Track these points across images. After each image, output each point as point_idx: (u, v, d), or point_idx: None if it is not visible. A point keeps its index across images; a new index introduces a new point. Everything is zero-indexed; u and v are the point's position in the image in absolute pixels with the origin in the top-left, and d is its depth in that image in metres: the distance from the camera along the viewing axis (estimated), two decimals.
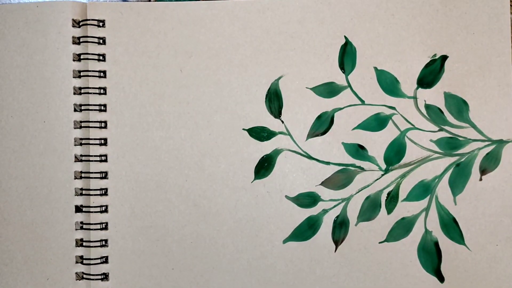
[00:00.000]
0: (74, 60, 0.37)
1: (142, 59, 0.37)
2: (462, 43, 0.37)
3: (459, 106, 0.37)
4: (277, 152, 0.37)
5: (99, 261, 0.37)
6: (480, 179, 0.37)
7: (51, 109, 0.37)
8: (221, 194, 0.37)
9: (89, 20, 0.37)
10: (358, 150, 0.37)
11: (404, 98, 0.37)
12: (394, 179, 0.37)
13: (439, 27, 0.37)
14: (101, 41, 0.37)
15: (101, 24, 0.37)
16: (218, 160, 0.37)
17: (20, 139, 0.37)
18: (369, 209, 0.37)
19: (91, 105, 0.37)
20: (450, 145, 0.37)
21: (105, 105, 0.37)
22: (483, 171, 0.37)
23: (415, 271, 0.37)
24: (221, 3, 0.37)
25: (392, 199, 0.37)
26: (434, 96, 0.37)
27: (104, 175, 0.37)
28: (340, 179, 0.37)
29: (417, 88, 0.37)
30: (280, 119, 0.37)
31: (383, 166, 0.37)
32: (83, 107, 0.37)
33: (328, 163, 0.37)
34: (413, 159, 0.37)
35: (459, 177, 0.37)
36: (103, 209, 0.37)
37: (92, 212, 0.37)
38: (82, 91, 0.37)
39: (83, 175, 0.37)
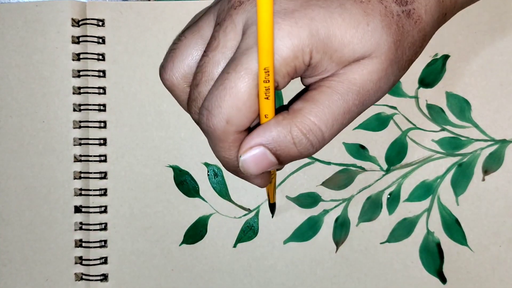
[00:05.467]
0: (73, 60, 0.36)
1: (142, 58, 0.37)
2: (463, 42, 0.36)
3: (461, 106, 0.36)
4: None
5: (98, 261, 0.37)
6: (483, 179, 0.36)
7: (50, 109, 0.37)
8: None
9: (88, 19, 0.36)
10: (359, 150, 0.37)
11: (406, 98, 0.37)
12: (395, 179, 0.37)
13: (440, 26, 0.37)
14: (100, 40, 0.37)
15: (100, 23, 0.37)
16: (218, 160, 0.37)
17: (19, 139, 0.37)
18: (370, 210, 0.37)
19: (90, 105, 0.37)
20: (452, 145, 0.36)
21: (104, 105, 0.37)
22: (486, 171, 0.36)
23: (416, 272, 0.36)
24: None
25: (394, 199, 0.37)
26: (435, 95, 0.36)
27: (104, 175, 0.37)
28: (341, 179, 0.37)
29: (418, 88, 0.37)
30: None
31: (384, 166, 0.37)
32: (82, 107, 0.37)
33: (329, 163, 0.37)
34: (415, 159, 0.37)
35: (461, 177, 0.36)
36: (103, 210, 0.37)
37: (91, 212, 0.37)
38: (82, 90, 0.37)
39: (82, 175, 0.37)
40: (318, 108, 0.19)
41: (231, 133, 0.19)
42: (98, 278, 0.37)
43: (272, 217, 0.37)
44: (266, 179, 0.23)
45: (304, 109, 0.19)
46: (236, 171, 0.21)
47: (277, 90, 0.20)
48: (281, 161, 0.20)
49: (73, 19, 0.36)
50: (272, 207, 0.36)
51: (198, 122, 0.20)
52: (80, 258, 0.37)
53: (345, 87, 0.19)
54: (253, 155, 0.19)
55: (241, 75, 0.18)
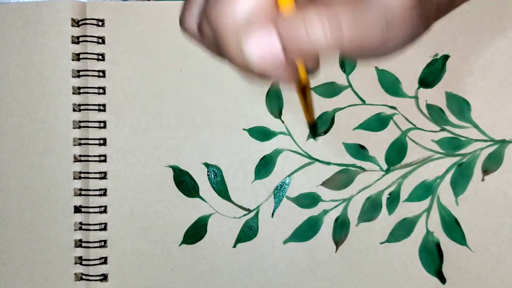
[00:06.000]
0: (73, 60, 0.36)
1: (141, 58, 0.37)
2: (463, 43, 0.36)
3: (460, 106, 0.36)
4: (277, 152, 0.37)
5: (98, 261, 0.37)
6: (483, 180, 0.36)
7: (50, 109, 0.37)
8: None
9: (88, 19, 0.36)
10: (359, 150, 0.37)
11: (405, 98, 0.37)
12: (395, 179, 0.37)
13: (440, 26, 0.36)
14: (100, 40, 0.37)
15: (100, 23, 0.37)
16: (218, 160, 0.37)
17: (19, 139, 0.37)
18: (370, 210, 0.37)
19: (90, 105, 0.37)
20: (451, 145, 0.36)
21: (104, 105, 0.37)
22: (486, 171, 0.36)
23: (416, 272, 0.36)
24: None
25: (393, 199, 0.37)
26: (435, 95, 0.36)
27: (103, 176, 0.37)
28: (341, 179, 0.37)
29: (418, 88, 0.37)
30: (281, 119, 0.37)
31: (384, 166, 0.37)
32: (82, 107, 0.37)
33: (329, 163, 0.37)
34: (415, 159, 0.37)
35: (461, 178, 0.36)
36: (102, 210, 0.37)
37: (91, 212, 0.37)
38: (81, 90, 0.37)
39: (82, 175, 0.37)
40: (344, 5, 0.16)
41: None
42: (98, 278, 0.37)
43: (315, 138, 0.33)
44: (290, 73, 0.19)
45: None
46: (247, 69, 0.18)
47: None
48: (287, 50, 0.17)
49: (73, 19, 0.36)
50: (313, 128, 0.32)
51: (200, 29, 0.18)
52: (80, 258, 0.37)
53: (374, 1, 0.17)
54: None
55: None
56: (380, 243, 0.37)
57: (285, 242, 0.37)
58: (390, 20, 0.17)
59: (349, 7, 0.16)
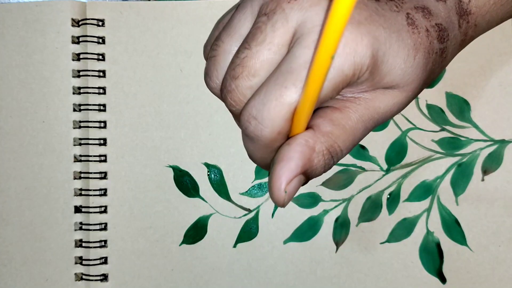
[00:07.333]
0: (73, 60, 0.36)
1: (141, 58, 0.37)
2: None
3: (460, 106, 0.36)
4: None
5: (98, 261, 0.37)
6: (482, 179, 0.36)
7: (50, 109, 0.37)
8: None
9: (88, 19, 0.36)
10: (359, 150, 0.37)
11: None
12: (395, 179, 0.37)
13: None
14: (100, 40, 0.37)
15: (100, 23, 0.37)
16: (218, 160, 0.37)
17: (19, 139, 0.37)
18: (370, 210, 0.37)
19: (90, 105, 0.37)
20: (451, 145, 0.37)
21: (104, 105, 0.37)
22: (485, 171, 0.36)
23: (416, 272, 0.36)
24: (221, 2, 0.37)
25: (393, 199, 0.37)
26: (435, 96, 0.37)
27: (104, 176, 0.37)
28: (341, 179, 0.37)
29: None
30: None
31: (384, 166, 0.37)
32: (82, 107, 0.37)
33: None
34: (415, 159, 0.37)
35: (461, 178, 0.36)
36: (103, 210, 0.37)
37: (91, 212, 0.37)
38: (82, 90, 0.37)
39: (82, 175, 0.37)
40: (345, 135, 0.20)
41: (280, 140, 0.19)
42: (98, 278, 0.37)
43: None
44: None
45: (333, 134, 0.19)
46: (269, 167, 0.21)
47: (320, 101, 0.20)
48: (307, 179, 0.20)
49: (73, 19, 0.36)
50: None
51: (242, 128, 0.19)
52: (80, 258, 0.37)
53: (369, 115, 0.20)
54: (295, 186, 0.19)
55: (302, 91, 0.17)
56: (380, 243, 0.37)
57: (285, 242, 0.37)
58: (378, 125, 0.21)
59: (349, 138, 0.20)
